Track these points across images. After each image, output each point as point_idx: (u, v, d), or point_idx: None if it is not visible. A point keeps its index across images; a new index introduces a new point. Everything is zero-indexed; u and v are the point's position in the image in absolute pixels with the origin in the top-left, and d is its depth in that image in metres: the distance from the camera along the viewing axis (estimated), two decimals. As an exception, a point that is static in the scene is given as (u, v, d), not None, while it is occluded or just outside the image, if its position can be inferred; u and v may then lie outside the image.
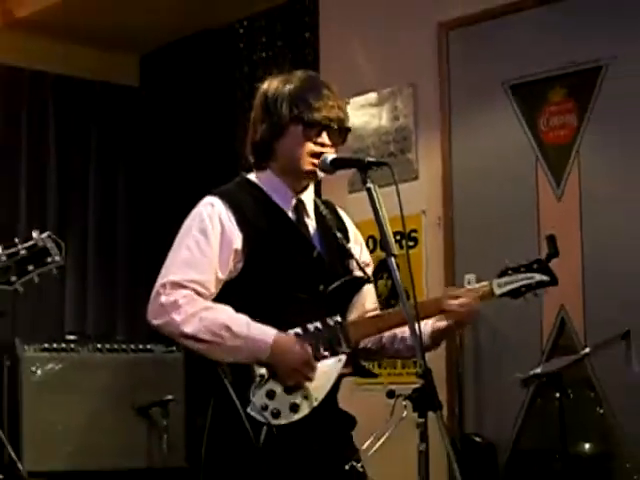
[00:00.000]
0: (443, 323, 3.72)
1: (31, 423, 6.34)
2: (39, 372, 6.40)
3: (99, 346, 6.63)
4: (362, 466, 3.60)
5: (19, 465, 5.82)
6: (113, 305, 7.32)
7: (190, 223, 3.61)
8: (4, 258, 3.34)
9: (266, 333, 3.45)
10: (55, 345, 6.54)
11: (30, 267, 3.37)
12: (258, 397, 3.49)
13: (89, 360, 6.56)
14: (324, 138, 3.61)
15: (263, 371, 3.51)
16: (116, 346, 6.68)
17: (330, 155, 3.58)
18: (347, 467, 3.58)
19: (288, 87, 3.68)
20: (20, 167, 7.44)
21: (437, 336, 3.77)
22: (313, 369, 3.47)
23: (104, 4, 6.76)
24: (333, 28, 6.18)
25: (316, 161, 3.60)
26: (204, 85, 7.27)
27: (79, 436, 6.33)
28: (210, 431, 3.59)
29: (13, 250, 3.34)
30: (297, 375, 3.48)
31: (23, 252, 3.36)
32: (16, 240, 3.38)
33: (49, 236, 3.41)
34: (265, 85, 3.73)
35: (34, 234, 3.40)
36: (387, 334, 3.71)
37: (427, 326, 3.71)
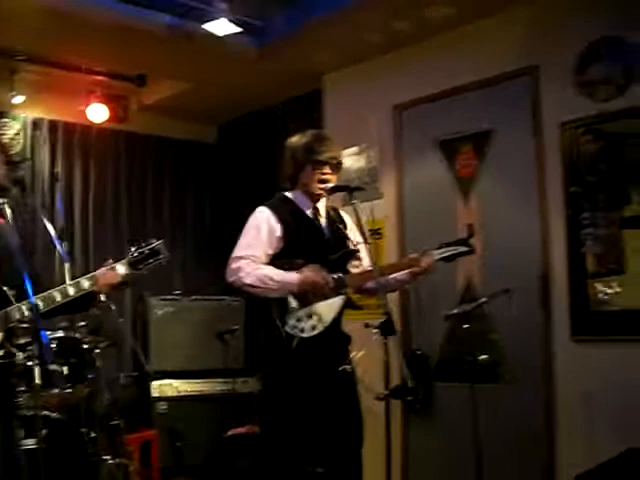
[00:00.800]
0: (404, 275, 3.83)
1: (155, 342, 6.37)
2: (159, 312, 6.45)
3: (193, 297, 6.66)
4: (352, 368, 3.73)
5: (147, 367, 5.87)
6: (201, 272, 7.28)
7: (249, 222, 3.81)
8: (136, 254, 3.36)
9: (293, 276, 3.60)
10: (168, 297, 6.59)
11: (150, 260, 3.38)
12: (291, 320, 3.65)
13: (188, 305, 6.59)
14: (326, 170, 3.73)
15: (294, 304, 3.61)
16: (204, 297, 6.69)
17: (330, 184, 3.73)
18: (340, 368, 3.68)
19: (303, 140, 3.83)
20: (146, 201, 7.26)
21: (399, 284, 3.95)
22: (327, 284, 3.62)
23: (197, 95, 6.68)
24: (332, 108, 6.19)
25: (322, 186, 3.72)
26: (257, 145, 7.16)
27: (183, 349, 6.37)
28: (264, 343, 3.68)
29: (142, 249, 3.38)
30: (319, 288, 3.63)
31: (147, 251, 3.38)
32: (142, 244, 3.40)
33: (162, 242, 3.42)
34: (291, 140, 3.87)
35: (152, 241, 3.42)
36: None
37: (392, 277, 3.83)
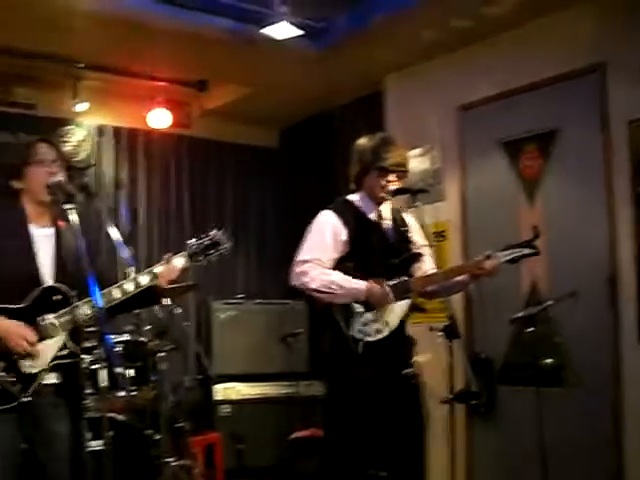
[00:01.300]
0: (467, 277, 3.78)
1: (218, 345, 6.45)
2: (222, 316, 6.53)
3: (257, 301, 6.71)
4: (415, 372, 3.71)
5: (211, 370, 5.93)
6: (265, 276, 7.33)
7: (314, 226, 3.83)
8: (195, 246, 3.34)
9: (360, 284, 3.60)
10: (231, 300, 6.65)
11: (211, 251, 3.36)
12: (356, 324, 3.65)
13: (252, 309, 6.65)
14: (391, 177, 3.71)
15: (360, 308, 3.60)
16: (267, 300, 6.74)
17: (393, 187, 3.69)
18: (405, 372, 3.66)
19: (370, 144, 3.81)
20: (208, 206, 7.32)
21: (461, 286, 3.88)
22: (389, 298, 3.58)
23: (258, 99, 6.72)
24: (394, 110, 6.17)
25: (386, 192, 3.71)
26: (318, 148, 7.18)
27: (247, 352, 6.42)
28: (329, 347, 3.69)
29: (201, 241, 3.36)
30: (382, 301, 3.57)
31: (207, 242, 3.36)
32: (202, 235, 3.37)
33: (221, 233, 3.39)
34: (358, 142, 3.85)
35: (212, 231, 3.39)
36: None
37: (453, 280, 3.78)
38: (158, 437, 4.78)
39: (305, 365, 6.45)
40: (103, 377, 3.27)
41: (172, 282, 3.35)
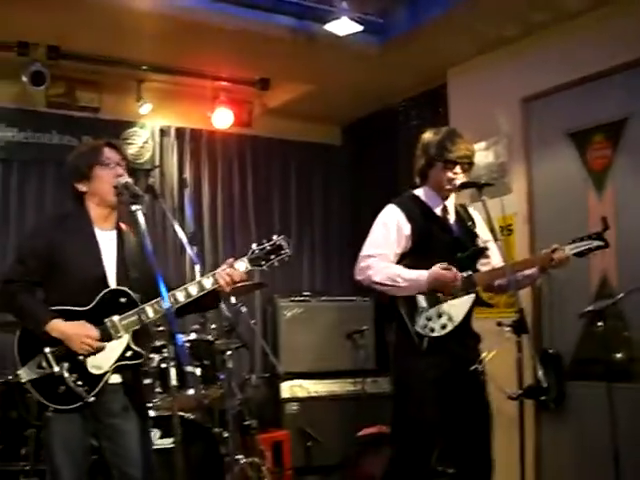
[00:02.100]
0: (533, 271, 3.76)
1: (285, 343, 6.51)
2: (288, 314, 6.57)
3: (323, 298, 6.75)
4: (482, 368, 3.70)
5: (278, 368, 5.96)
6: (330, 273, 7.38)
7: (378, 220, 3.84)
8: (257, 251, 3.39)
9: (422, 274, 3.60)
10: (297, 298, 6.69)
11: (272, 256, 3.39)
12: (421, 320, 3.66)
13: (317, 306, 6.70)
14: (457, 170, 3.71)
15: (424, 304, 3.63)
16: (333, 298, 6.77)
17: (459, 180, 3.70)
18: (471, 368, 3.65)
19: (436, 137, 3.82)
20: (272, 203, 7.39)
21: (529, 280, 3.87)
22: (456, 281, 3.59)
23: (320, 97, 6.74)
24: (458, 103, 6.14)
25: (451, 185, 3.70)
26: (381, 144, 7.19)
27: (313, 350, 6.47)
28: (394, 342, 3.71)
29: (263, 246, 3.40)
30: (449, 284, 3.59)
31: (269, 248, 3.40)
32: (264, 241, 3.41)
33: (283, 238, 3.42)
34: (424, 135, 3.85)
35: (274, 237, 3.42)
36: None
37: (520, 274, 3.76)
38: (226, 435, 4.84)
39: (371, 362, 6.47)
40: (173, 376, 3.32)
41: (235, 284, 3.39)
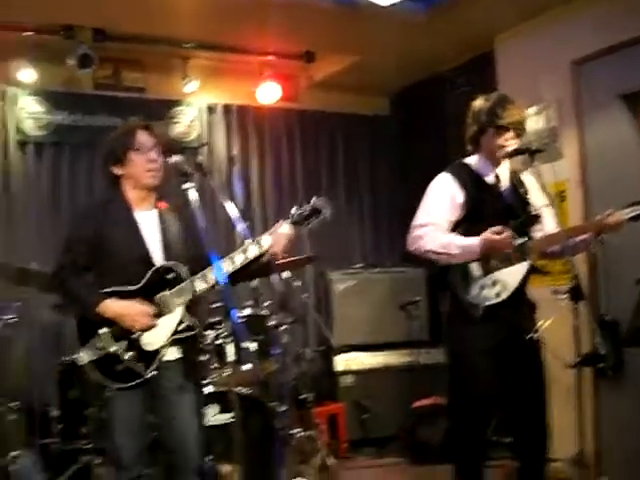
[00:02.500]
0: (588, 236, 3.72)
1: (338, 316, 6.52)
2: (341, 286, 6.58)
3: (374, 270, 6.74)
4: (538, 336, 3.69)
5: (332, 341, 6.01)
6: (381, 244, 7.39)
7: (431, 189, 3.89)
8: (297, 214, 3.49)
9: (474, 240, 3.59)
10: (349, 270, 6.71)
11: (312, 217, 3.49)
12: (475, 288, 3.66)
13: (370, 278, 6.68)
14: (508, 136, 3.69)
15: (478, 272, 3.63)
16: (385, 269, 6.76)
17: (511, 147, 3.68)
18: (527, 337, 3.64)
19: (486, 103, 3.81)
20: (320, 176, 7.38)
21: (584, 246, 3.81)
22: (511, 244, 3.60)
23: (366, 67, 6.70)
24: (506, 69, 6.08)
25: (503, 151, 3.69)
26: (429, 113, 7.12)
27: (366, 322, 6.47)
28: (448, 312, 3.72)
29: (302, 209, 3.51)
30: (502, 248, 3.61)
31: (308, 209, 3.50)
32: (303, 203, 3.53)
33: (321, 200, 3.53)
34: (475, 102, 3.85)
35: (313, 199, 3.55)
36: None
37: (575, 240, 3.72)
38: (282, 409, 4.90)
39: (425, 333, 6.48)
40: (230, 352, 3.39)
41: (283, 251, 3.46)
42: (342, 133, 7.54)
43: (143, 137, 3.50)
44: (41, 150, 6.27)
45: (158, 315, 3.34)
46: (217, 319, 4.55)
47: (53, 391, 5.31)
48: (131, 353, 3.31)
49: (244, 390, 4.66)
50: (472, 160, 3.87)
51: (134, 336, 3.32)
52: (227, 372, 4.25)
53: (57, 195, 6.29)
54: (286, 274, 5.09)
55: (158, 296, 3.36)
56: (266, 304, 5.07)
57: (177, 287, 3.37)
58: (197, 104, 6.85)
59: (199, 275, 3.37)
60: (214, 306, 4.60)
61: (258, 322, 4.90)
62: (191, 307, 3.43)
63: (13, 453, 4.76)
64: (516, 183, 3.91)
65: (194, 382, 3.49)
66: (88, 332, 3.33)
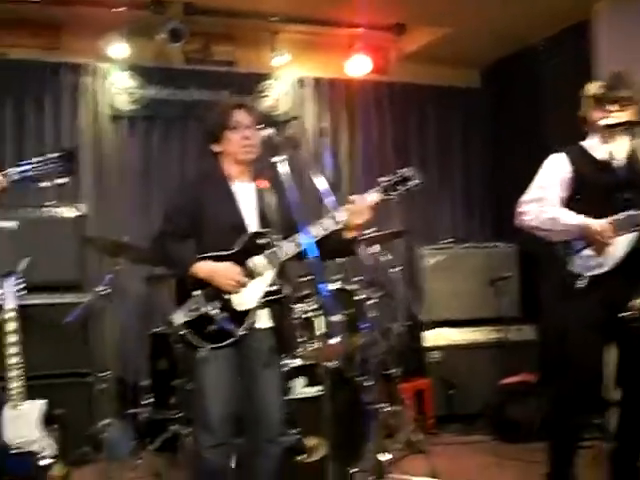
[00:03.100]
0: None
1: (428, 291, 6.49)
2: (430, 261, 6.54)
3: (465, 244, 6.66)
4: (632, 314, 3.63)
5: (420, 317, 6.01)
6: (472, 219, 7.33)
7: (544, 167, 3.94)
8: (386, 182, 3.50)
9: (579, 219, 3.68)
10: (439, 245, 6.66)
11: (400, 186, 3.50)
12: (577, 260, 3.61)
13: (460, 253, 6.58)
14: (610, 107, 3.65)
15: (581, 244, 3.61)
16: (475, 244, 6.67)
17: (605, 121, 3.66)
18: (620, 315, 3.61)
19: (600, 80, 3.86)
20: (410, 149, 7.35)
21: None
22: (611, 236, 3.59)
23: (457, 39, 6.63)
24: (605, 39, 5.85)
25: (607, 123, 3.67)
26: (522, 85, 7.01)
27: (456, 297, 6.41)
28: (550, 285, 3.87)
29: (391, 177, 3.52)
30: (600, 246, 3.62)
31: (397, 178, 3.51)
32: (393, 172, 3.54)
33: (410, 170, 3.53)
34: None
35: (402, 169, 3.55)
36: None
37: None
38: (369, 383, 4.92)
39: (515, 309, 6.39)
40: (319, 325, 3.46)
41: (368, 219, 3.50)
42: (433, 106, 7.50)
43: (239, 116, 3.61)
44: (134, 124, 6.43)
45: (249, 277, 3.45)
46: (306, 292, 4.60)
47: (143, 362, 5.48)
48: (223, 313, 3.42)
49: (331, 364, 4.69)
50: (585, 142, 3.91)
51: (226, 296, 3.44)
52: (315, 345, 4.29)
53: (149, 169, 6.43)
54: (375, 248, 5.11)
55: (250, 260, 3.47)
56: (355, 279, 5.09)
57: (269, 251, 3.47)
58: (287, 78, 6.89)
59: (289, 239, 3.47)
60: (303, 280, 4.65)
61: (347, 296, 4.92)
62: (283, 272, 3.55)
63: (104, 421, 4.94)
64: (633, 156, 3.87)
65: (283, 353, 3.58)
66: (184, 295, 3.48)
